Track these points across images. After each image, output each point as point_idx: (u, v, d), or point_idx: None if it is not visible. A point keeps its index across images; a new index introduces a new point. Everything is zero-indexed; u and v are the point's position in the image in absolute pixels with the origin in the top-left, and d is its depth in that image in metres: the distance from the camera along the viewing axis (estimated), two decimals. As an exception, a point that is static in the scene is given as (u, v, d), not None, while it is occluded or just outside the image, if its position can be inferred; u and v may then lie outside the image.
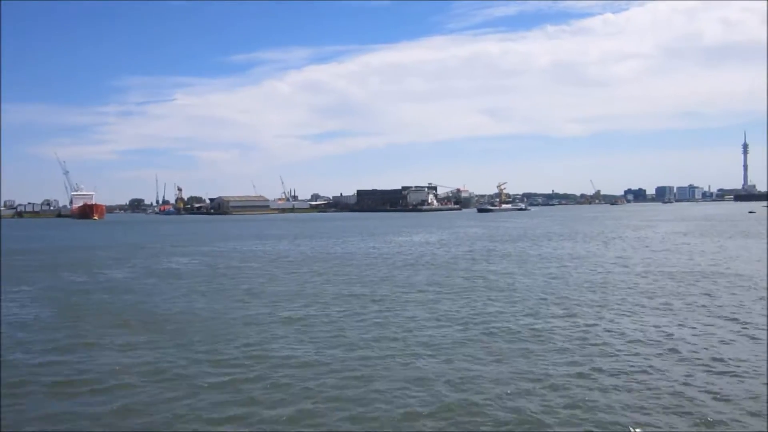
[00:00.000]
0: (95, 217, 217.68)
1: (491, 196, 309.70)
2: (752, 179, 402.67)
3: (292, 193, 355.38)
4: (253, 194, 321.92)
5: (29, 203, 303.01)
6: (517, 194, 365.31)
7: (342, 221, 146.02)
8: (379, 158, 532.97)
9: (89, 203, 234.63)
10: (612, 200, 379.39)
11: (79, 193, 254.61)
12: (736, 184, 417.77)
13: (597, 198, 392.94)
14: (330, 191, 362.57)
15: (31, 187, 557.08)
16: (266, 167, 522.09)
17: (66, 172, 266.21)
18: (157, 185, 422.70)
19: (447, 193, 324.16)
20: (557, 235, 69.86)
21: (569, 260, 39.13)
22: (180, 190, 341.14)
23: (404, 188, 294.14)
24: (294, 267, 38.07)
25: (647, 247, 49.67)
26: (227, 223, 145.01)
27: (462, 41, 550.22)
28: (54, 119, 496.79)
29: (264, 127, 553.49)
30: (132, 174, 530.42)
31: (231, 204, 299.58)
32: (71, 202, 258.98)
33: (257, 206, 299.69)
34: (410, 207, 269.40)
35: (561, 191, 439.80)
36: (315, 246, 58.18)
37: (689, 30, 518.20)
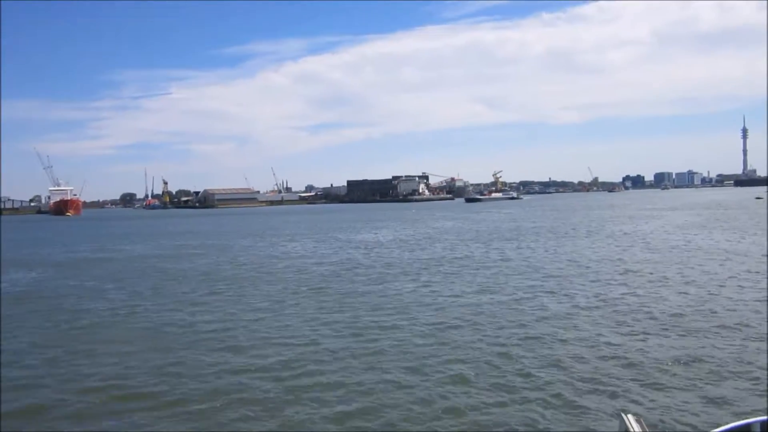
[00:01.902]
0: (70, 213, 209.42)
1: (487, 185, 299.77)
2: (752, 164, 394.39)
3: (285, 185, 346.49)
4: (246, 186, 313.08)
5: (8, 199, 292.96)
6: (514, 182, 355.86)
7: (317, 214, 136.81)
8: (375, 148, 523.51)
9: (65, 199, 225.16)
10: (610, 187, 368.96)
11: (56, 188, 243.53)
12: (736, 169, 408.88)
13: (595, 185, 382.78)
14: (325, 182, 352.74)
15: (24, 183, 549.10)
16: (262, 159, 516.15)
17: (47, 167, 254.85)
18: (146, 179, 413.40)
19: (441, 182, 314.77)
20: (543, 230, 59.93)
21: (543, 281, 25.93)
22: (165, 183, 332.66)
23: (394, 178, 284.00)
24: (144, 298, 27.96)
25: (655, 250, 39.58)
26: (197, 218, 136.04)
27: (457, 30, 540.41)
28: (49, 115, 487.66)
29: (260, 120, 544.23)
30: (128, 168, 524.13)
31: (217, 197, 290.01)
32: (49, 198, 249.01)
33: (244, 198, 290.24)
34: (400, 197, 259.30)
35: (558, 179, 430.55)
36: (233, 251, 48.50)
37: (684, 15, 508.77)
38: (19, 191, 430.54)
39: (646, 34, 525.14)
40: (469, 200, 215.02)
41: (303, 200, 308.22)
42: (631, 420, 5.52)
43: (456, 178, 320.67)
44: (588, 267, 30.14)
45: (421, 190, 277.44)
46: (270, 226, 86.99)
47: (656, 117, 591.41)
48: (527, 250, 39.46)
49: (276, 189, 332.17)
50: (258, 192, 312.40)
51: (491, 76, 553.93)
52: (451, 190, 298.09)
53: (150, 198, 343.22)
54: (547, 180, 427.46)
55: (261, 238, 60.90)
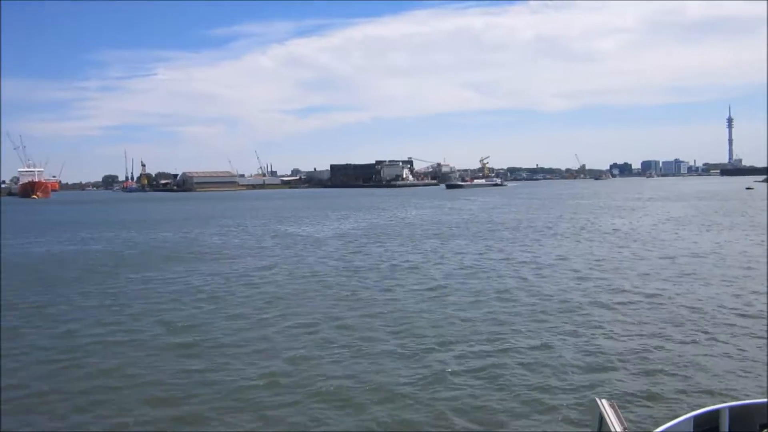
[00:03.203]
0: (37, 195, 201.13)
1: (474, 171, 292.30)
2: (737, 153, 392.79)
3: (269, 169, 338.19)
4: (230, 170, 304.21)
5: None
6: (501, 169, 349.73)
7: (289, 200, 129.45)
8: (364, 133, 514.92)
9: (33, 180, 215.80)
10: (596, 175, 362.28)
11: (25, 169, 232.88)
12: (721, 158, 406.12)
13: (582, 173, 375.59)
14: (312, 166, 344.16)
15: (7, 163, 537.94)
16: (251, 143, 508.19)
17: (18, 147, 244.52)
18: (125, 161, 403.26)
19: (427, 167, 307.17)
20: (516, 224, 53.19)
21: (492, 322, 17.05)
22: (144, 166, 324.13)
23: (378, 163, 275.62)
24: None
25: (662, 254, 32.69)
26: (164, 203, 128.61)
27: (445, 15, 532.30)
28: (34, 95, 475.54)
29: (248, 102, 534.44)
30: (113, 150, 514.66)
31: (195, 180, 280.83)
32: (18, 180, 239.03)
33: (225, 182, 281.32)
34: (384, 182, 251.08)
35: (546, 166, 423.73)
36: (135, 250, 41.34)
37: (672, 4, 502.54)
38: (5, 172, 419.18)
39: (635, 22, 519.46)
40: (450, 186, 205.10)
41: (285, 184, 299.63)
42: (605, 405, 5.59)
43: (443, 163, 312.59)
44: (560, 292, 23.13)
45: (405, 176, 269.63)
46: (225, 213, 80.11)
47: (644, 105, 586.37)
48: (482, 256, 32.49)
49: (260, 173, 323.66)
50: (241, 175, 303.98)
51: (480, 62, 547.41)
52: (437, 175, 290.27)
53: (130, 181, 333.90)
54: (535, 167, 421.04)
55: (196, 229, 53.54)
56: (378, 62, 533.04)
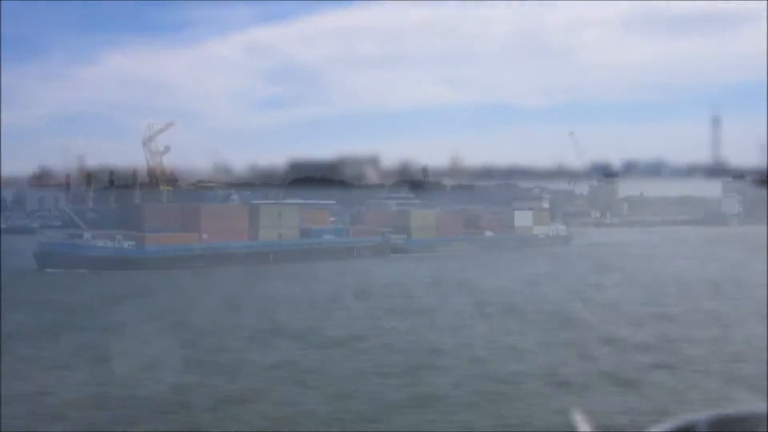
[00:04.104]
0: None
1: (447, 171, 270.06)
2: (722, 153, 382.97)
3: (225, 165, 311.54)
4: (181, 164, 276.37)
5: None
6: (475, 167, 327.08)
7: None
8: (330, 127, 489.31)
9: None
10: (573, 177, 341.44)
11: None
12: (706, 157, 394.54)
13: (559, 174, 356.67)
14: (271, 162, 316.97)
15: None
16: (209, 135, 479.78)
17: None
18: (64, 153, 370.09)
19: (395, 165, 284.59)
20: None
21: None
22: (80, 159, 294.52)
23: (341, 160, 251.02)
24: None
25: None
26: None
27: (418, 5, 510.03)
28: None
29: (206, 93, 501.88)
30: (58, 142, 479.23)
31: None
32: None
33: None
34: (345, 181, 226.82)
35: (522, 163, 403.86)
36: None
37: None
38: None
39: (615, 17, 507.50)
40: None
41: (231, 187, 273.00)
42: (578, 417, 5.80)
43: (412, 160, 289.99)
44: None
45: (369, 174, 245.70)
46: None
47: (624, 102, 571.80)
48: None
49: (214, 168, 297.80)
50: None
51: (455, 56, 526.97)
52: (404, 173, 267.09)
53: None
54: (510, 165, 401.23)
55: None
56: (347, 52, 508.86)
